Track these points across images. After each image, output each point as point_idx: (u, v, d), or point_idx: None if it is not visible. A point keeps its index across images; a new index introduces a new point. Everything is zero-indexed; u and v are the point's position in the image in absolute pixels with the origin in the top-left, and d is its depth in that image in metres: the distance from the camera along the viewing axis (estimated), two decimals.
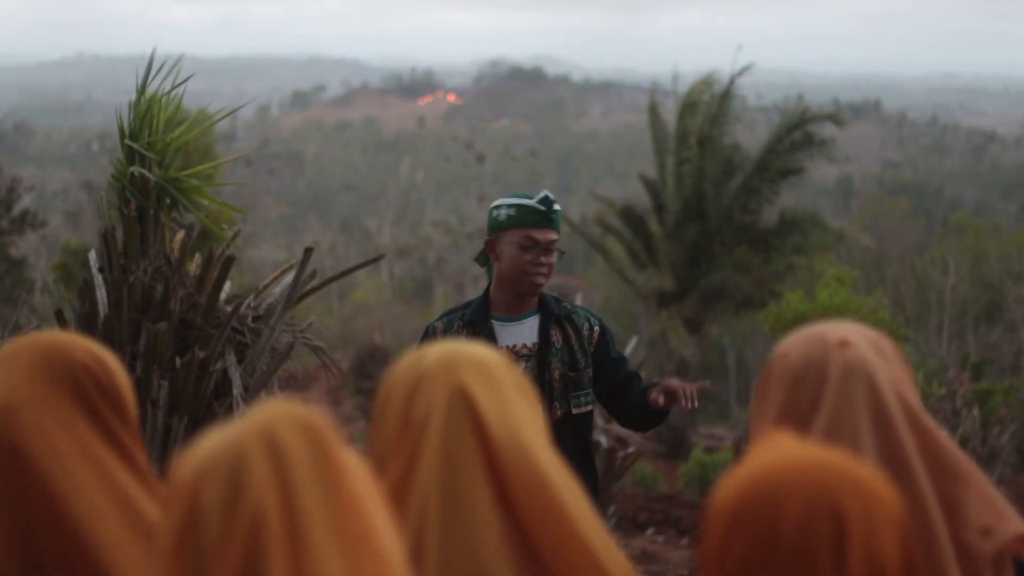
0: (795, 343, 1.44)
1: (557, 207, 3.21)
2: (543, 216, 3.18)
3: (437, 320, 3.32)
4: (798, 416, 1.39)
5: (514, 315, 3.23)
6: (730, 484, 1.12)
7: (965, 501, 1.38)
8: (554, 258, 3.20)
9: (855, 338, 1.41)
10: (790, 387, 1.41)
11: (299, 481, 1.03)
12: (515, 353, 3.19)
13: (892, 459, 1.36)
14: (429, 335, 3.27)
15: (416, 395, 1.29)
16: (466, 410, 1.27)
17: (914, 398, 1.42)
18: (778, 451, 1.12)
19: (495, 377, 1.32)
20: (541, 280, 3.19)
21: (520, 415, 1.31)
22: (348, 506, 1.05)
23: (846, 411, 1.36)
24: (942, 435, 1.40)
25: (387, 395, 1.34)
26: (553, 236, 3.19)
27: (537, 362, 3.17)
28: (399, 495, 1.26)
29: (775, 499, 1.07)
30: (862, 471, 1.10)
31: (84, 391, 1.52)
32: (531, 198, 3.23)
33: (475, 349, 1.35)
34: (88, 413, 1.51)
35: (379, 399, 1.34)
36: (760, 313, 15.89)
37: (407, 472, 1.26)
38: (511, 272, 3.19)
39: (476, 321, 3.23)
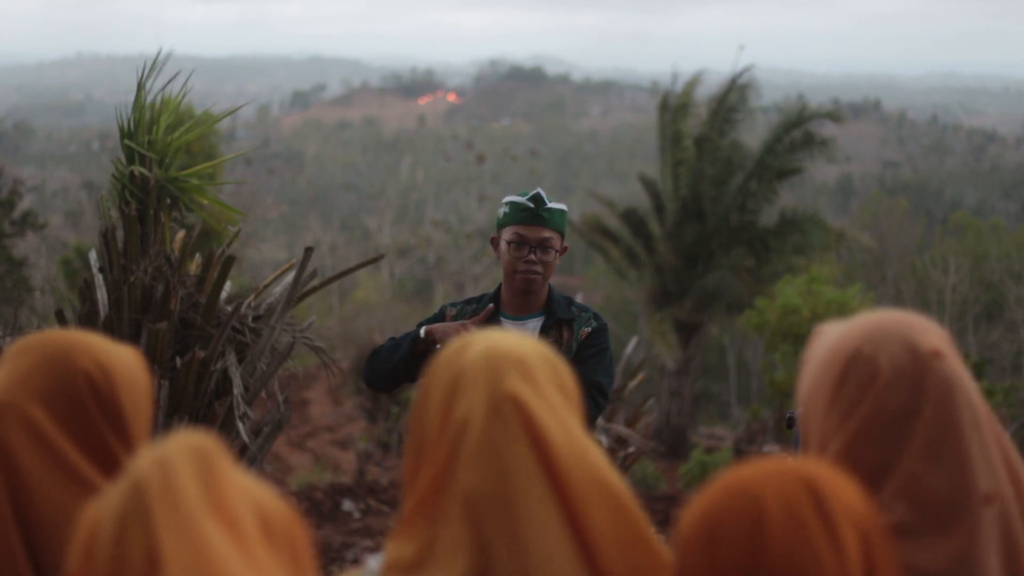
0: (875, 344, 1.36)
1: (553, 205, 3.18)
2: (532, 213, 3.15)
3: (452, 305, 3.34)
4: (891, 424, 1.35)
5: (520, 314, 3.23)
6: (698, 502, 1.17)
7: None
8: (550, 256, 3.16)
9: (944, 347, 1.38)
10: (880, 395, 1.35)
11: (188, 498, 1.07)
12: None
13: (991, 474, 1.34)
14: (439, 315, 3.31)
15: (456, 392, 1.29)
16: (510, 411, 1.27)
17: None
18: (729, 475, 1.18)
19: (534, 374, 1.31)
20: (532, 277, 3.15)
21: (562, 413, 1.31)
22: (232, 519, 1.09)
23: (950, 428, 1.33)
24: (1013, 448, 1.41)
25: (427, 389, 1.33)
26: (545, 234, 3.15)
27: None
28: (438, 487, 1.26)
29: (751, 496, 1.13)
30: (816, 466, 1.16)
31: (79, 399, 1.46)
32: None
33: (514, 342, 1.34)
34: (78, 422, 1.46)
35: (418, 392, 1.34)
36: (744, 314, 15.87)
37: (446, 466, 1.26)
38: (506, 269, 3.20)
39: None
